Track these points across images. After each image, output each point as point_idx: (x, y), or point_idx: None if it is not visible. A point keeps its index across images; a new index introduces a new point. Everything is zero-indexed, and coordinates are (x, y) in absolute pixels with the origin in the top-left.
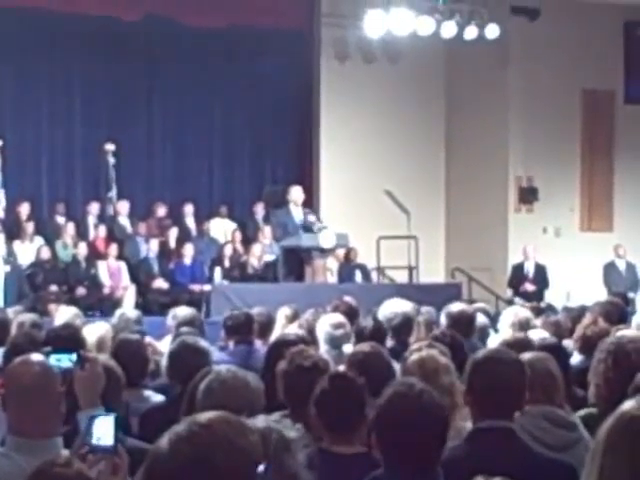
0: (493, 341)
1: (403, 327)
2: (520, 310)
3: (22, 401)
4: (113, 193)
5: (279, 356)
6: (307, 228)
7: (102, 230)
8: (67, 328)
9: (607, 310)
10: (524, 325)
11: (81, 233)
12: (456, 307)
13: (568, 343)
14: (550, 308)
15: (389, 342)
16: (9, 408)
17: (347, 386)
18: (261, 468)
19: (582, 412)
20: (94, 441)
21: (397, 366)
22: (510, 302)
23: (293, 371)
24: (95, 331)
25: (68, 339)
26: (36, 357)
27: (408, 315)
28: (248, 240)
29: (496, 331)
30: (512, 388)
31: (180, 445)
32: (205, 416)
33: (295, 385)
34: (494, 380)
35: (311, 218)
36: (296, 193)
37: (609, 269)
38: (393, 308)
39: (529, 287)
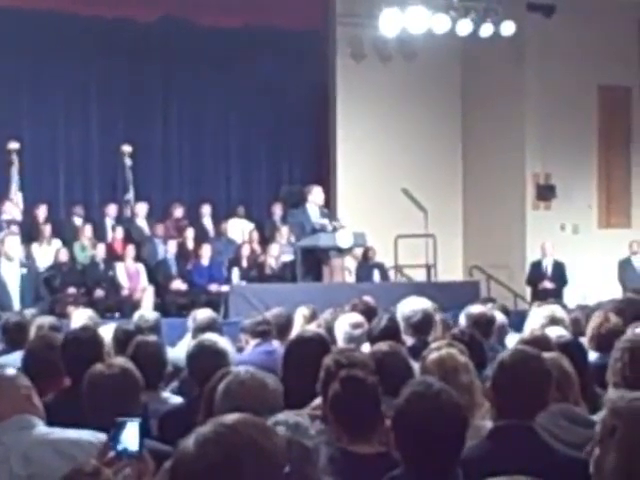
0: (511, 339)
1: (423, 325)
2: (554, 308)
3: None
4: (130, 195)
5: (297, 354)
6: (320, 229)
7: (120, 232)
8: (86, 330)
9: (618, 307)
10: (556, 322)
11: (99, 235)
12: (476, 309)
13: (584, 340)
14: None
15: (409, 340)
16: None
17: (359, 387)
18: (287, 470)
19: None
20: (120, 447)
21: (416, 365)
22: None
23: (333, 368)
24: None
25: (87, 341)
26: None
27: (428, 313)
28: (265, 240)
29: (517, 330)
30: (536, 388)
31: (207, 446)
32: (230, 418)
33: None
34: (519, 379)
35: (323, 220)
36: (317, 193)
37: (624, 266)
38: (412, 306)
39: (547, 284)
